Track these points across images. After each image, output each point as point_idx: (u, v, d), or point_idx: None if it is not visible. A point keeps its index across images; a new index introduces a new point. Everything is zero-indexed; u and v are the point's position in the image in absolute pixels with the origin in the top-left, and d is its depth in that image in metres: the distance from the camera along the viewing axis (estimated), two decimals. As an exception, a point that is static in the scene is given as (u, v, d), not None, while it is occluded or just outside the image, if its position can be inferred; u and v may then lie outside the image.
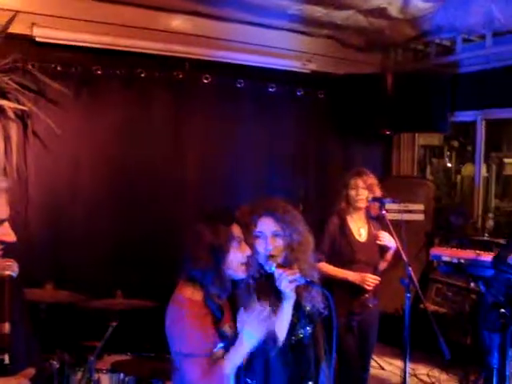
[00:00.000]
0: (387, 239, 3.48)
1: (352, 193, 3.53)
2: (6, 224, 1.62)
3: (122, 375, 3.39)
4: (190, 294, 2.10)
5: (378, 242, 3.52)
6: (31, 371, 1.45)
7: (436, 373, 5.05)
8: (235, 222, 2.18)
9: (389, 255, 3.55)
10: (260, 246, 2.29)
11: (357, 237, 3.56)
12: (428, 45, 5.94)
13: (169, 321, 2.10)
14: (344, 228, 3.54)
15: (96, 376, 3.37)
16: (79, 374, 3.42)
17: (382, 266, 3.63)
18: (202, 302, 2.09)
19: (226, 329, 2.17)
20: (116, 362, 3.42)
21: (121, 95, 4.87)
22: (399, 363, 5.14)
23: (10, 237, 1.62)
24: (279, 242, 2.31)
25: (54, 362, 3.29)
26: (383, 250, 3.57)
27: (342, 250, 3.50)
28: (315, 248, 2.96)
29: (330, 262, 3.47)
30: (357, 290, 3.46)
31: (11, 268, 1.61)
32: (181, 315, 2.06)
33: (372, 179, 3.58)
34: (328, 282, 3.36)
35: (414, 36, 5.69)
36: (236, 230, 2.17)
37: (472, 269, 4.08)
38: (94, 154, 4.74)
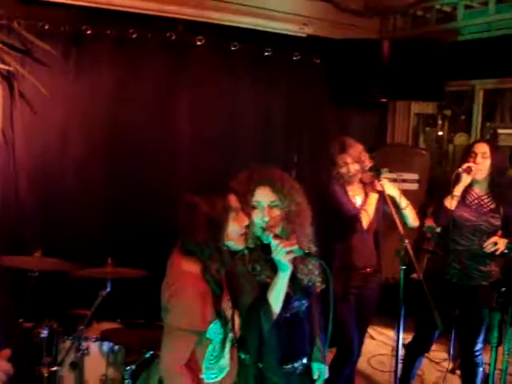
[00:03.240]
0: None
1: (343, 171, 3.45)
2: None
3: (111, 344, 3.35)
4: (189, 268, 2.03)
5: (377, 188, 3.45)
6: (8, 351, 1.37)
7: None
8: (231, 192, 2.11)
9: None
10: (257, 216, 2.22)
11: (354, 204, 3.52)
12: (428, 11, 5.79)
13: (167, 293, 2.03)
14: (346, 194, 3.51)
15: (85, 344, 3.34)
16: (68, 343, 3.38)
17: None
18: (202, 277, 2.03)
19: (224, 305, 2.12)
20: (105, 331, 3.37)
21: (111, 56, 4.70)
22: (389, 333, 5.17)
23: None
24: (276, 213, 2.24)
25: (43, 331, 3.23)
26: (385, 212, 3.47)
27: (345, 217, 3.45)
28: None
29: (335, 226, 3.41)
30: (358, 262, 3.43)
31: None
32: (181, 289, 2.00)
33: (357, 149, 3.47)
34: (328, 253, 3.34)
35: (414, 1, 5.55)
36: (233, 200, 2.09)
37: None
38: (83, 117, 4.60)
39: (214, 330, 2.07)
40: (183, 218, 2.06)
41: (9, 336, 1.51)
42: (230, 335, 2.17)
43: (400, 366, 3.11)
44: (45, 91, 4.22)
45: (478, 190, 3.52)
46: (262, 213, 2.22)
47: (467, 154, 3.50)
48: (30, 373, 2.37)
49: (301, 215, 2.29)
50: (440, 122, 6.79)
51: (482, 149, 3.43)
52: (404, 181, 5.65)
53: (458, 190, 3.42)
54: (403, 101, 6.19)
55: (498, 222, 3.46)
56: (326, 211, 3.41)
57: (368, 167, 3.43)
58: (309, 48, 5.56)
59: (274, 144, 5.45)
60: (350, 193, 3.56)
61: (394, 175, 5.32)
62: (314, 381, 2.48)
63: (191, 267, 2.03)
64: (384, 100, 5.92)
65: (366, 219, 3.43)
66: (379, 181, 3.35)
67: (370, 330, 5.15)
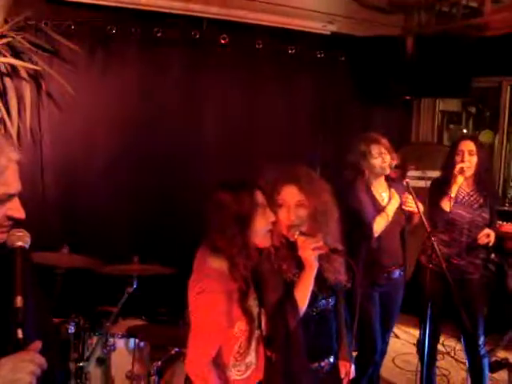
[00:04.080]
0: (413, 205, 3.39)
1: (376, 162, 3.42)
2: (16, 199, 1.50)
3: (137, 340, 3.38)
4: (216, 265, 2.04)
5: (405, 207, 3.43)
6: (39, 343, 1.38)
7: (451, 342, 5.02)
8: (258, 189, 2.11)
9: (416, 218, 3.45)
10: (283, 214, 2.22)
11: (380, 201, 3.49)
12: (454, 6, 5.70)
13: (194, 290, 2.04)
14: (369, 193, 3.48)
15: (111, 341, 3.37)
16: (95, 339, 3.42)
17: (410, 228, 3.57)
18: (229, 274, 2.03)
19: (251, 303, 2.12)
20: (131, 327, 3.40)
21: (136, 55, 4.75)
22: (413, 331, 5.13)
23: (20, 213, 1.50)
24: (302, 212, 2.23)
25: (70, 327, 3.28)
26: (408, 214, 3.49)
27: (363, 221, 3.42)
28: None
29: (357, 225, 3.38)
30: (384, 260, 3.41)
31: (23, 239, 1.49)
32: (208, 287, 2.00)
33: (387, 141, 3.51)
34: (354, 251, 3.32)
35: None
36: (259, 196, 2.10)
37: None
38: (109, 116, 4.65)
39: (241, 327, 2.08)
40: (211, 216, 2.07)
41: (41, 331, 1.52)
42: (257, 332, 2.17)
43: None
44: (71, 90, 4.28)
45: (466, 187, 3.63)
46: (289, 211, 2.22)
47: (453, 152, 3.58)
48: (62, 368, 2.40)
49: (327, 214, 2.27)
50: (465, 119, 6.72)
51: (469, 146, 3.53)
52: (429, 178, 5.59)
53: (453, 192, 3.49)
54: (428, 98, 6.14)
55: (488, 216, 3.61)
56: (349, 208, 3.39)
57: (394, 164, 3.42)
58: (333, 46, 5.53)
59: (298, 142, 5.43)
60: (377, 189, 3.52)
61: (419, 173, 5.29)
62: (341, 379, 2.48)
63: (218, 264, 2.04)
64: (408, 97, 5.87)
65: (385, 222, 3.41)
66: (404, 178, 3.33)
67: (395, 329, 5.11)
